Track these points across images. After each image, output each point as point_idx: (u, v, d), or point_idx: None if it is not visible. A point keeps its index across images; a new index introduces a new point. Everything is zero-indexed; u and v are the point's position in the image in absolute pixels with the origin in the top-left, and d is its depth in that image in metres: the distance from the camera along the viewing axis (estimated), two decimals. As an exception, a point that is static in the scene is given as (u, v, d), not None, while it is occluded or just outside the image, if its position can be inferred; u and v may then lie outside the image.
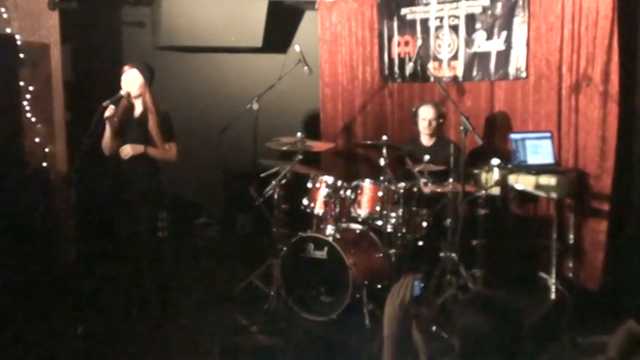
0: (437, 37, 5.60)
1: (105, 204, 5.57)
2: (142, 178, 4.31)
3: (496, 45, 5.29)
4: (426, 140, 5.19)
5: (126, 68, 4.28)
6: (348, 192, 4.70)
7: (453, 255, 4.47)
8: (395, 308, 2.17)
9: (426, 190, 4.52)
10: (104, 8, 6.14)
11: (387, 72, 5.97)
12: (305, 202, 4.79)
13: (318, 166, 5.70)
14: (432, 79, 5.59)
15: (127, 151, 4.21)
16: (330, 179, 4.72)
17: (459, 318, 2.07)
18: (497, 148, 5.15)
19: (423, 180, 4.52)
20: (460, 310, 2.11)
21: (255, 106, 5.05)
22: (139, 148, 4.22)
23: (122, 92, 4.21)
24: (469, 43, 5.44)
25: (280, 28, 6.47)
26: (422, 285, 2.29)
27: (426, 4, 5.63)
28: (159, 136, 4.26)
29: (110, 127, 4.22)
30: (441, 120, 5.14)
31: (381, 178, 4.57)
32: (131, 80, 4.24)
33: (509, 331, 2.00)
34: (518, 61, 5.18)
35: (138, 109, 4.32)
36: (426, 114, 5.09)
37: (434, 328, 3.98)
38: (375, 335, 3.93)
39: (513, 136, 4.91)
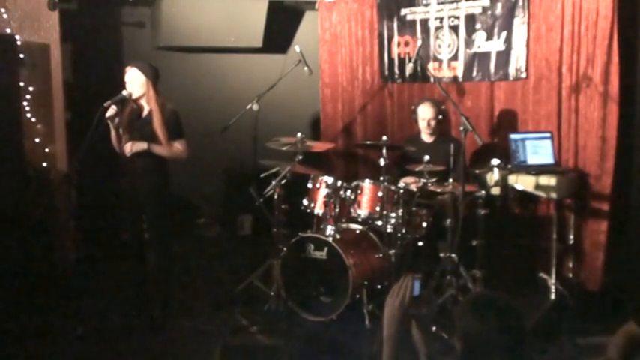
0: (437, 37, 5.61)
1: (105, 204, 5.59)
2: (152, 178, 4.30)
3: (496, 45, 5.29)
4: (427, 137, 5.19)
5: (127, 68, 4.28)
6: (348, 192, 4.70)
7: (453, 255, 4.47)
8: (395, 309, 2.17)
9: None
10: (104, 8, 6.14)
11: (387, 72, 5.97)
12: (305, 202, 4.79)
13: (318, 167, 5.70)
14: (432, 79, 5.59)
15: (128, 148, 4.21)
16: (330, 179, 4.72)
17: (460, 319, 2.07)
18: (497, 148, 5.15)
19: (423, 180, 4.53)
20: (461, 311, 2.10)
21: (255, 107, 5.05)
22: (141, 146, 4.21)
23: (124, 92, 4.20)
24: (469, 43, 5.44)
25: (280, 29, 6.47)
26: (420, 284, 2.29)
27: (426, 5, 5.63)
28: (163, 134, 4.23)
29: (113, 127, 4.22)
30: (441, 117, 5.14)
31: (381, 178, 4.57)
32: (132, 80, 4.23)
33: (511, 333, 2.00)
34: (518, 61, 5.19)
35: (146, 109, 4.32)
36: (425, 114, 5.08)
37: (434, 328, 3.99)
38: (375, 335, 3.94)
39: (513, 136, 4.91)
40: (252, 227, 6.45)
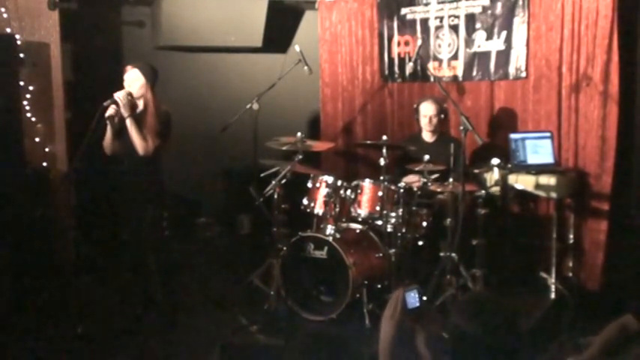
0: (437, 36, 5.61)
1: (105, 204, 5.58)
2: (145, 177, 4.29)
3: (496, 45, 5.29)
4: (427, 137, 5.19)
5: (128, 68, 4.28)
6: (348, 192, 4.70)
7: (453, 255, 4.47)
8: (385, 323, 2.14)
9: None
10: (104, 8, 6.13)
11: (387, 72, 5.97)
12: (305, 201, 4.79)
13: (318, 166, 5.70)
14: (432, 78, 5.59)
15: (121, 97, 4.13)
16: (330, 179, 4.72)
17: (452, 322, 2.04)
18: (497, 147, 5.15)
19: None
20: (453, 315, 2.08)
21: (255, 106, 5.05)
22: (125, 112, 4.13)
23: (116, 96, 4.15)
24: (469, 42, 5.44)
25: (280, 28, 6.47)
26: (418, 296, 2.22)
27: (426, 4, 5.63)
28: (152, 134, 4.20)
29: (111, 127, 4.21)
30: (442, 116, 5.15)
31: (381, 177, 4.57)
32: (132, 80, 4.23)
33: (501, 334, 1.98)
34: (518, 60, 5.19)
35: (139, 108, 4.30)
36: (426, 110, 5.09)
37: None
38: (375, 335, 3.94)
39: (513, 135, 4.91)
40: (252, 227, 6.44)
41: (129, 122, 4.16)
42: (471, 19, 5.40)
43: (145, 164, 4.26)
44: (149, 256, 4.40)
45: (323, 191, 4.70)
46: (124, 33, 6.27)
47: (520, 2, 5.11)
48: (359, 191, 4.67)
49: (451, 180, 4.51)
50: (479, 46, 5.39)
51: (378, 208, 4.58)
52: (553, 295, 4.73)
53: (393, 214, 4.56)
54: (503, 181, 4.62)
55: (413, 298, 2.19)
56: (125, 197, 4.42)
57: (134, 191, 4.33)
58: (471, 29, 5.41)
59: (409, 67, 5.66)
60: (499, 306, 2.05)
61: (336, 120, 6.30)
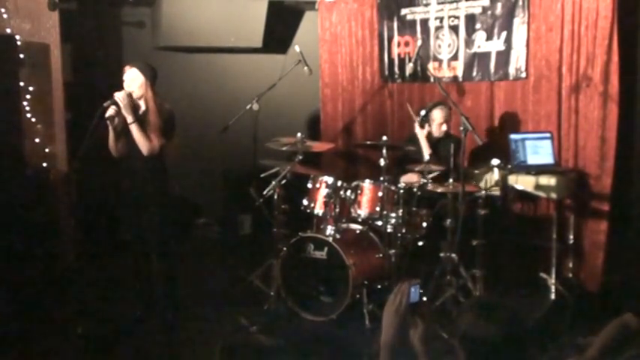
0: (437, 37, 5.61)
1: (105, 204, 5.59)
2: (150, 177, 4.28)
3: (496, 45, 5.29)
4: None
5: (126, 68, 4.27)
6: (348, 192, 4.70)
7: (453, 255, 4.47)
8: (391, 316, 2.16)
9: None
10: (104, 8, 6.14)
11: (387, 72, 5.97)
12: (305, 202, 4.79)
13: (318, 167, 5.70)
14: (432, 79, 5.59)
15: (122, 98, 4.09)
16: (330, 179, 4.72)
17: (463, 325, 2.05)
18: (497, 148, 5.14)
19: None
20: (465, 317, 2.08)
21: (255, 107, 5.05)
22: (129, 117, 4.11)
23: (116, 96, 4.13)
24: (469, 43, 5.44)
25: (280, 28, 6.48)
26: (419, 291, 2.26)
27: (426, 5, 5.63)
28: (156, 133, 4.18)
29: (112, 127, 4.20)
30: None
31: (381, 178, 4.57)
32: (132, 80, 4.21)
33: (514, 341, 1.98)
34: (518, 61, 5.19)
35: (142, 108, 4.30)
36: (440, 117, 5.03)
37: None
38: (375, 335, 3.93)
39: (513, 136, 4.90)
40: (252, 227, 6.44)
41: (134, 127, 4.15)
42: (470, 19, 5.40)
43: (150, 164, 4.25)
44: (153, 256, 4.40)
45: (323, 192, 4.70)
46: (124, 33, 6.28)
47: (520, 3, 5.11)
48: (359, 192, 4.67)
49: (451, 180, 4.51)
50: (479, 47, 5.39)
51: (378, 209, 4.58)
52: (553, 296, 4.72)
53: (393, 215, 4.56)
54: (503, 182, 4.62)
55: (414, 293, 2.21)
56: (129, 197, 4.41)
57: (138, 191, 4.32)
58: (470, 30, 5.41)
59: (409, 68, 5.65)
60: (502, 307, 2.05)
61: (336, 120, 6.30)
